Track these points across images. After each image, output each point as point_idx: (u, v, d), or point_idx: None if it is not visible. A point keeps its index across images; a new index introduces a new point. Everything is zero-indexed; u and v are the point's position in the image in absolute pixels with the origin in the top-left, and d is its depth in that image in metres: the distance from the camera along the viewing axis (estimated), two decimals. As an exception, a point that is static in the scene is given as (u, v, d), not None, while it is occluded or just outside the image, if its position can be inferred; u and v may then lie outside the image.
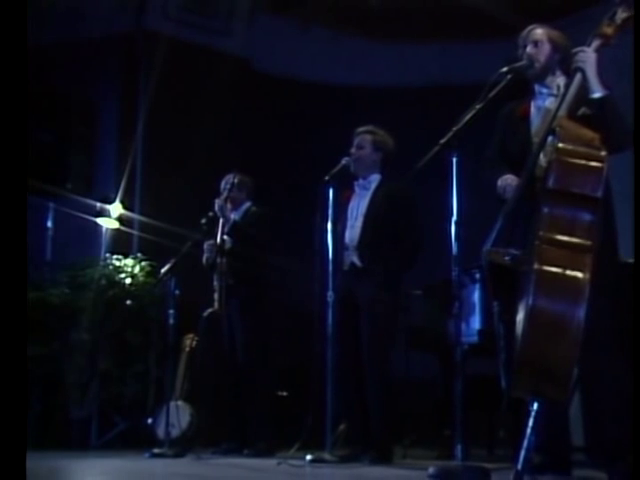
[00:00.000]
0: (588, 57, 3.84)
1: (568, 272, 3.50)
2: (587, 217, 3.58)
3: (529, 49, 4.19)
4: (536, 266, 3.52)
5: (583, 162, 3.62)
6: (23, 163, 2.01)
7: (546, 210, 3.61)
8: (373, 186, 5.63)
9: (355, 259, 5.48)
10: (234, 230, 6.35)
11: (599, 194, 3.58)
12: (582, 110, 3.89)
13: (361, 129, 5.66)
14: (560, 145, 3.64)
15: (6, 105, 2.00)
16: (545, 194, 3.64)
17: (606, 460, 3.91)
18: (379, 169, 5.66)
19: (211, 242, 6.39)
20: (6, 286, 1.96)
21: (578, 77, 3.88)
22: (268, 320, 6.43)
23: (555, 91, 4.07)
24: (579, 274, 3.47)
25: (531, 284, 3.50)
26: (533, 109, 4.20)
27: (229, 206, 6.41)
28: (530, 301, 3.47)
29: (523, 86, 4.30)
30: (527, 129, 4.13)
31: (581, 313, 3.41)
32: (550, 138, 3.74)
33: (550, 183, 3.62)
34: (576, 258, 3.51)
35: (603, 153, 3.61)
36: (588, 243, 3.54)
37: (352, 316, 5.38)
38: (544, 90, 4.18)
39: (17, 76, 2.05)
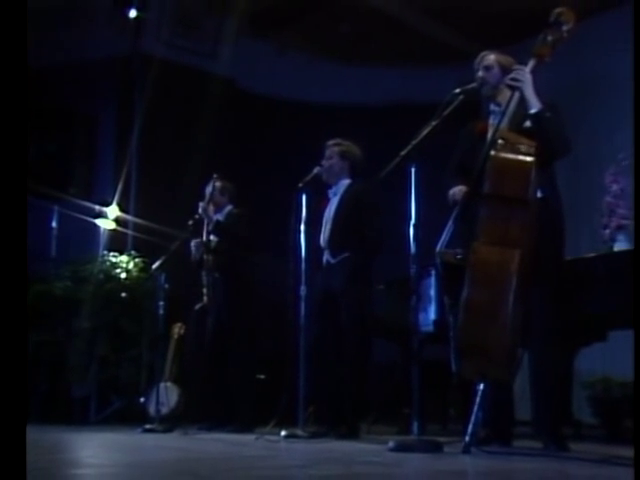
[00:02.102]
0: (525, 78, 3.88)
1: (498, 266, 3.52)
2: (519, 216, 3.62)
3: (480, 73, 4.22)
4: (471, 261, 3.55)
5: (513, 168, 3.65)
6: (24, 168, 1.99)
7: (483, 212, 3.65)
8: (342, 190, 5.62)
9: (328, 256, 5.47)
10: (217, 230, 6.34)
11: (528, 195, 3.61)
12: (527, 123, 3.92)
13: (330, 142, 5.65)
14: (493, 154, 3.67)
15: (8, 115, 1.97)
16: (482, 199, 3.67)
17: (543, 432, 3.96)
18: (348, 175, 5.64)
19: (197, 240, 6.38)
20: (8, 278, 1.93)
21: (516, 95, 3.92)
22: (249, 310, 6.41)
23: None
24: (508, 267, 3.50)
25: (466, 277, 3.53)
26: (490, 127, 4.22)
27: (212, 208, 6.40)
28: (465, 292, 3.50)
29: (476, 105, 4.32)
30: (485, 145, 4.15)
31: (509, 301, 3.44)
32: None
33: (485, 188, 3.65)
34: (506, 253, 3.53)
35: (531, 159, 3.64)
36: (519, 240, 3.56)
37: (329, 309, 5.36)
38: (497, 108, 4.20)
39: (18, 89, 2.02)
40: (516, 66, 3.99)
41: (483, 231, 3.63)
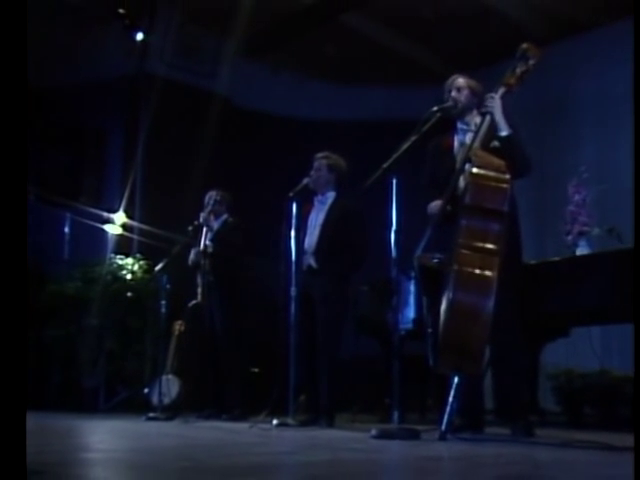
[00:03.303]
0: (495, 103, 3.91)
1: (480, 272, 3.54)
2: (496, 227, 3.63)
3: (453, 94, 4.25)
4: (455, 267, 3.56)
5: (492, 183, 3.68)
6: (24, 173, 1.96)
7: (464, 222, 3.65)
8: (329, 202, 5.60)
9: (312, 261, 5.44)
10: (214, 236, 6.34)
11: (505, 208, 3.64)
12: (493, 143, 3.94)
13: (318, 155, 5.63)
14: (474, 170, 3.70)
15: (9, 124, 1.95)
16: (463, 209, 3.68)
17: (510, 419, 3.97)
18: (334, 187, 5.63)
19: (196, 248, 6.37)
20: (9, 276, 1.89)
21: (488, 119, 3.94)
22: (243, 310, 6.39)
23: (473, 127, 4.14)
24: (489, 273, 3.52)
25: (451, 282, 3.53)
26: (456, 142, 4.25)
27: (212, 217, 6.40)
28: (450, 295, 3.51)
29: (448, 122, 4.32)
30: (452, 158, 4.18)
31: (490, 304, 3.46)
32: (467, 165, 3.79)
33: (467, 200, 3.67)
34: (486, 260, 3.55)
35: (508, 176, 3.67)
36: (496, 248, 3.58)
37: (309, 308, 5.33)
38: (464, 127, 4.23)
39: (18, 99, 1.99)
40: (488, 94, 4.01)
41: (465, 239, 3.63)
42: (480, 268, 3.54)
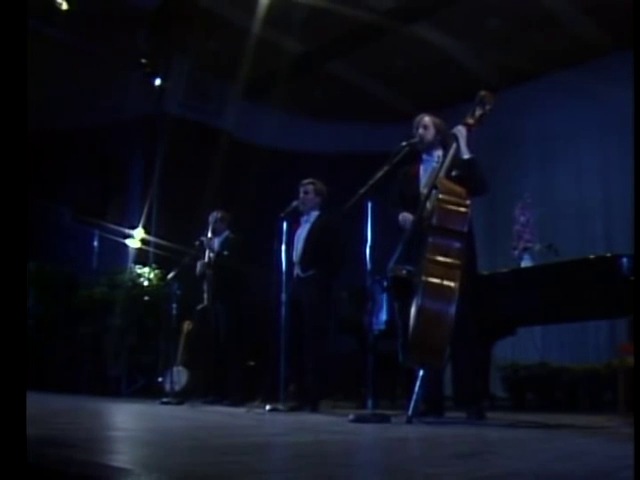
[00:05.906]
0: (459, 130, 3.91)
1: (444, 282, 3.52)
2: (457, 245, 3.62)
3: (420, 131, 4.23)
4: (423, 278, 3.53)
5: (455, 208, 3.67)
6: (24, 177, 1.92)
7: (431, 240, 3.63)
8: (312, 219, 5.58)
9: (298, 270, 5.42)
10: (217, 250, 6.32)
11: (465, 229, 3.62)
12: (455, 172, 3.92)
13: (306, 181, 5.61)
14: (440, 196, 3.68)
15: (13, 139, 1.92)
16: (430, 229, 3.66)
17: (465, 404, 3.96)
18: (319, 208, 5.62)
19: (202, 261, 6.35)
20: (10, 274, 1.85)
21: (454, 145, 3.92)
22: (242, 312, 6.36)
23: (436, 159, 4.12)
24: (451, 283, 3.50)
25: (420, 290, 3.51)
26: (421, 171, 4.24)
27: (214, 234, 6.38)
28: (419, 302, 3.48)
29: (415, 153, 4.32)
30: (417, 184, 4.17)
31: (452, 310, 3.43)
32: (434, 191, 3.77)
33: (434, 221, 3.65)
34: (449, 272, 3.53)
35: (468, 202, 3.66)
36: (458, 262, 3.56)
37: (298, 311, 5.30)
38: (429, 158, 4.21)
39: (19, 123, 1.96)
40: (457, 127, 4.00)
41: (431, 254, 3.61)
42: (444, 279, 3.52)
